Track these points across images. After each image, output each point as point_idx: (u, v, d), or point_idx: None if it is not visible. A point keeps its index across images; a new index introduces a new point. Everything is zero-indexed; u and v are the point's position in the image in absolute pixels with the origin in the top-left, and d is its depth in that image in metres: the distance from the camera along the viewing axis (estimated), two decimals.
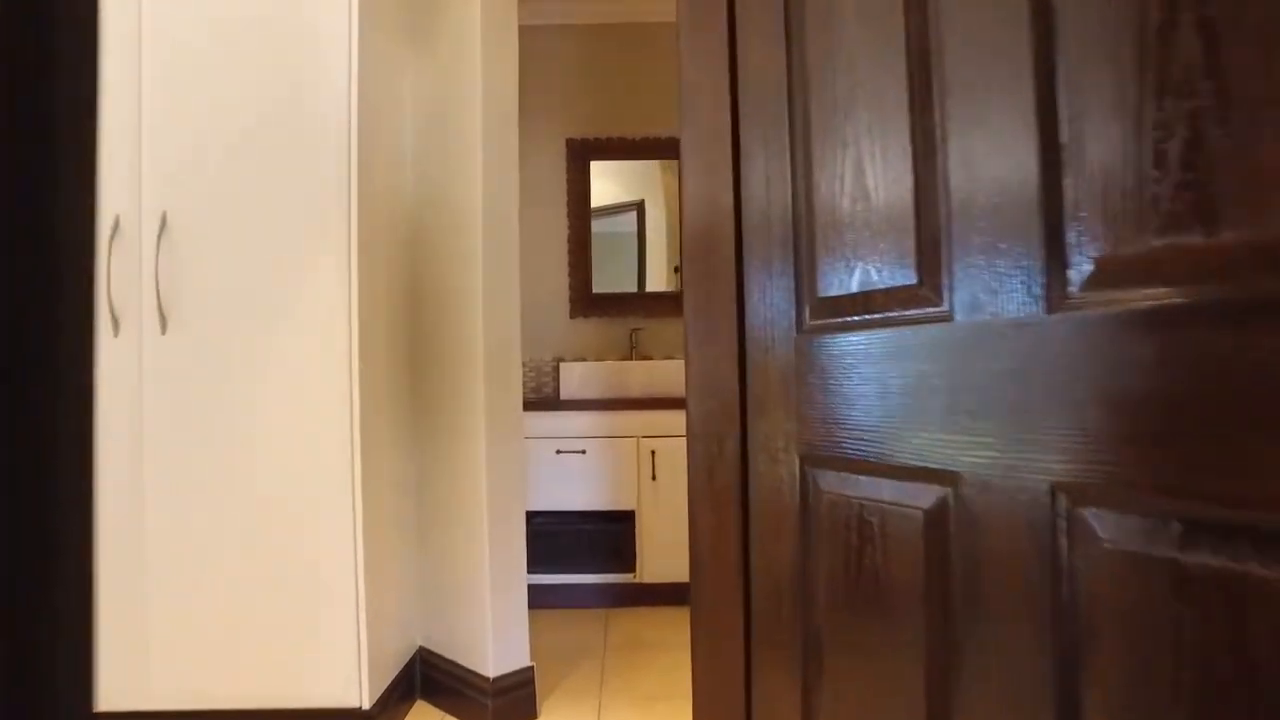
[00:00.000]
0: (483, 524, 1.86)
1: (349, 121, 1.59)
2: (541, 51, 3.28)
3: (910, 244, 0.74)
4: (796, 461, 0.89)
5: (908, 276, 0.74)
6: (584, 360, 3.25)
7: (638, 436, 2.72)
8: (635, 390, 2.82)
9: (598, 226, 3.29)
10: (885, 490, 0.76)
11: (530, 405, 2.75)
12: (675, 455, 2.71)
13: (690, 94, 1.09)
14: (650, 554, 2.71)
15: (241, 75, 1.59)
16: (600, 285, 3.28)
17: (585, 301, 3.25)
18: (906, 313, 0.74)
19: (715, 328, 1.05)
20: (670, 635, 2.49)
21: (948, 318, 0.69)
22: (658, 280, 3.29)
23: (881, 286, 0.78)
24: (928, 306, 0.72)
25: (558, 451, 2.71)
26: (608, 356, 3.25)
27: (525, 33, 3.24)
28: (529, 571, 2.71)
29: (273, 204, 1.58)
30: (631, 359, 3.16)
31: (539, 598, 2.67)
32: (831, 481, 0.84)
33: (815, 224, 0.87)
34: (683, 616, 2.63)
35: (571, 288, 3.26)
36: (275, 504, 1.57)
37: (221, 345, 1.57)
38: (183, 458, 1.56)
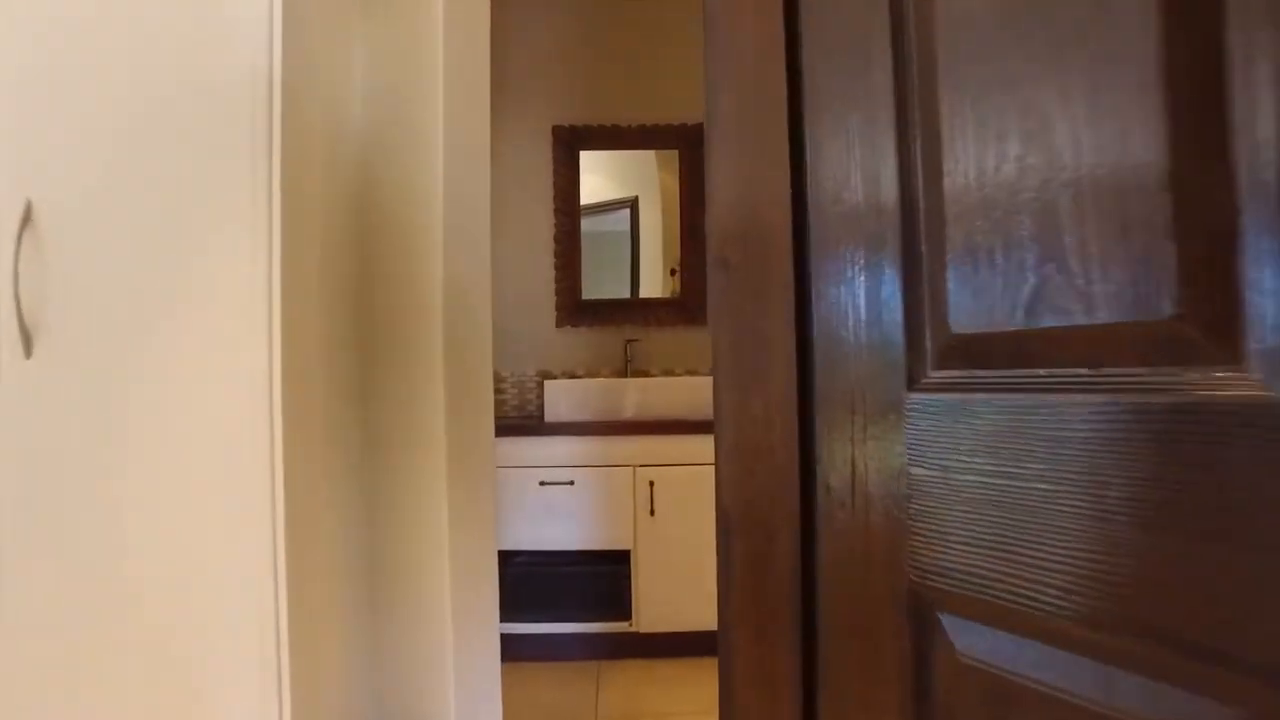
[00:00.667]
0: (444, 570, 1.53)
1: (269, 98, 1.25)
2: (525, 28, 2.94)
3: (1166, 250, 0.41)
4: (905, 594, 0.56)
5: (1154, 303, 0.41)
6: (572, 376, 2.92)
7: (633, 465, 2.39)
8: (630, 411, 2.49)
9: (587, 225, 2.96)
10: (1129, 690, 0.42)
11: (510, 429, 2.41)
12: (677, 487, 2.38)
13: (722, 36, 0.75)
14: (648, 600, 2.38)
15: (135, 45, 1.25)
16: (590, 290, 2.94)
17: (573, 309, 2.92)
18: (1149, 372, 0.41)
19: (761, 369, 0.72)
20: (675, 700, 2.15)
21: (1260, 390, 0.36)
22: (653, 285, 2.96)
23: (1084, 322, 0.45)
24: (1206, 365, 0.39)
25: (541, 483, 2.37)
26: (599, 372, 2.92)
27: (506, 6, 2.92)
28: (507, 620, 2.37)
29: (172, 194, 1.24)
30: (626, 375, 2.82)
31: (520, 650, 2.33)
32: (982, 643, 0.51)
33: (947, 221, 0.53)
34: (686, 672, 2.29)
35: (558, 293, 2.93)
36: (167, 574, 1.22)
37: (106, 371, 1.23)
38: (50, 520, 1.21)
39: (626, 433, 2.39)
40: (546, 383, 2.51)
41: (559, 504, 2.38)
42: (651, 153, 2.97)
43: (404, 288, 1.59)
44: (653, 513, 2.37)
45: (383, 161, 1.65)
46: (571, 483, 2.37)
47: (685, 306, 2.91)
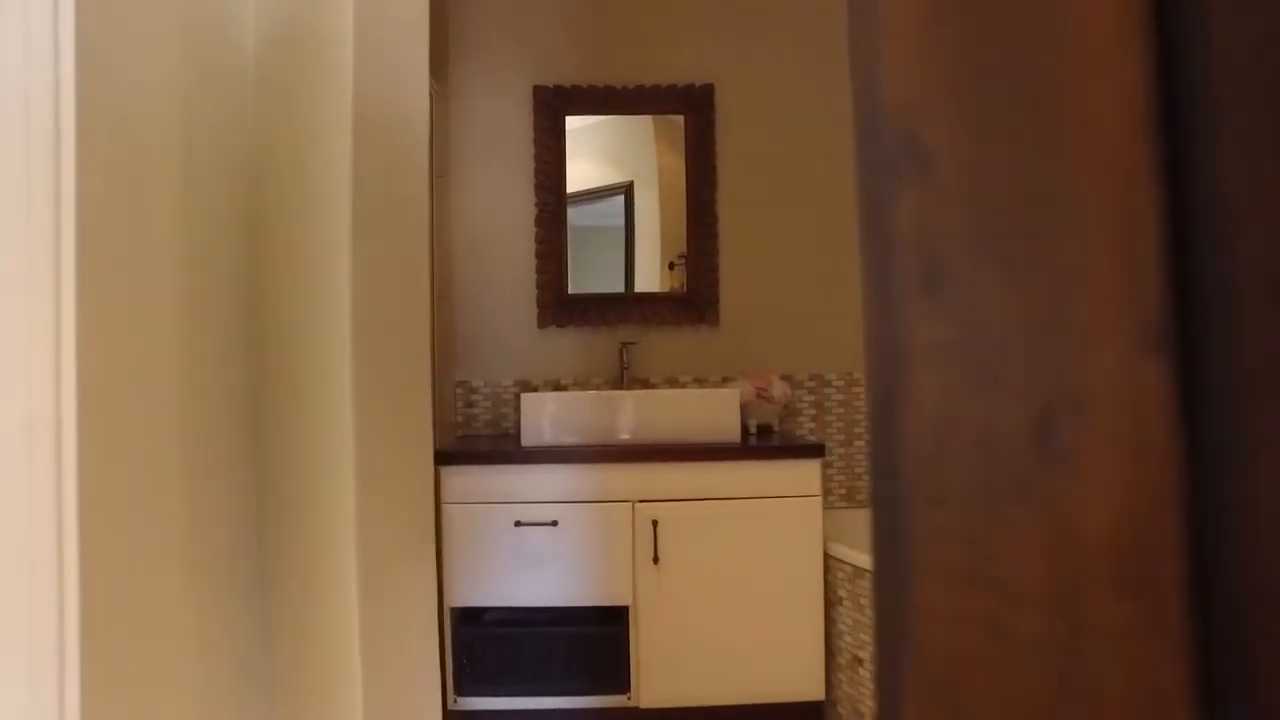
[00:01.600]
0: (352, 664, 1.07)
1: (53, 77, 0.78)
2: None
3: None
4: None
5: None
6: (557, 387, 2.45)
7: (632, 501, 1.92)
8: (628, 431, 2.03)
9: (574, 217, 2.49)
10: None
11: (477, 456, 1.95)
12: (686, 527, 1.92)
13: None
14: (651, 668, 1.91)
15: None
16: (578, 284, 2.48)
17: (558, 305, 2.45)
18: None
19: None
20: None
21: None
22: (650, 280, 2.50)
23: None
24: None
25: (518, 523, 1.91)
26: (590, 382, 2.45)
27: None
28: (474, 694, 1.90)
29: None
30: (623, 385, 2.36)
31: None
32: None
33: None
34: None
35: (540, 286, 2.46)
36: None
37: None
38: None
39: (623, 459, 1.93)
40: (523, 396, 2.05)
41: (540, 549, 1.91)
42: (649, 128, 2.50)
43: (302, 297, 1.12)
44: (656, 560, 1.91)
45: (277, 119, 1.17)
46: (555, 523, 1.91)
47: (691, 303, 2.45)
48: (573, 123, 2.48)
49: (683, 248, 2.47)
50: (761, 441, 2.08)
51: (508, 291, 2.47)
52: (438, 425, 2.44)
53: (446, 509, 1.92)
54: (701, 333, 2.48)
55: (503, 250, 2.47)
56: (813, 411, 2.49)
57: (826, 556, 1.98)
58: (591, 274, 2.49)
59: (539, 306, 2.45)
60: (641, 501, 1.93)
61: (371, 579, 1.06)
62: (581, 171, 2.49)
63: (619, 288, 2.48)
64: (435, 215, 2.44)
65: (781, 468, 1.93)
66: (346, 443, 1.01)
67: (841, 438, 2.49)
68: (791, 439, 2.17)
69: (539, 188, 2.46)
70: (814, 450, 1.95)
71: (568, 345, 2.47)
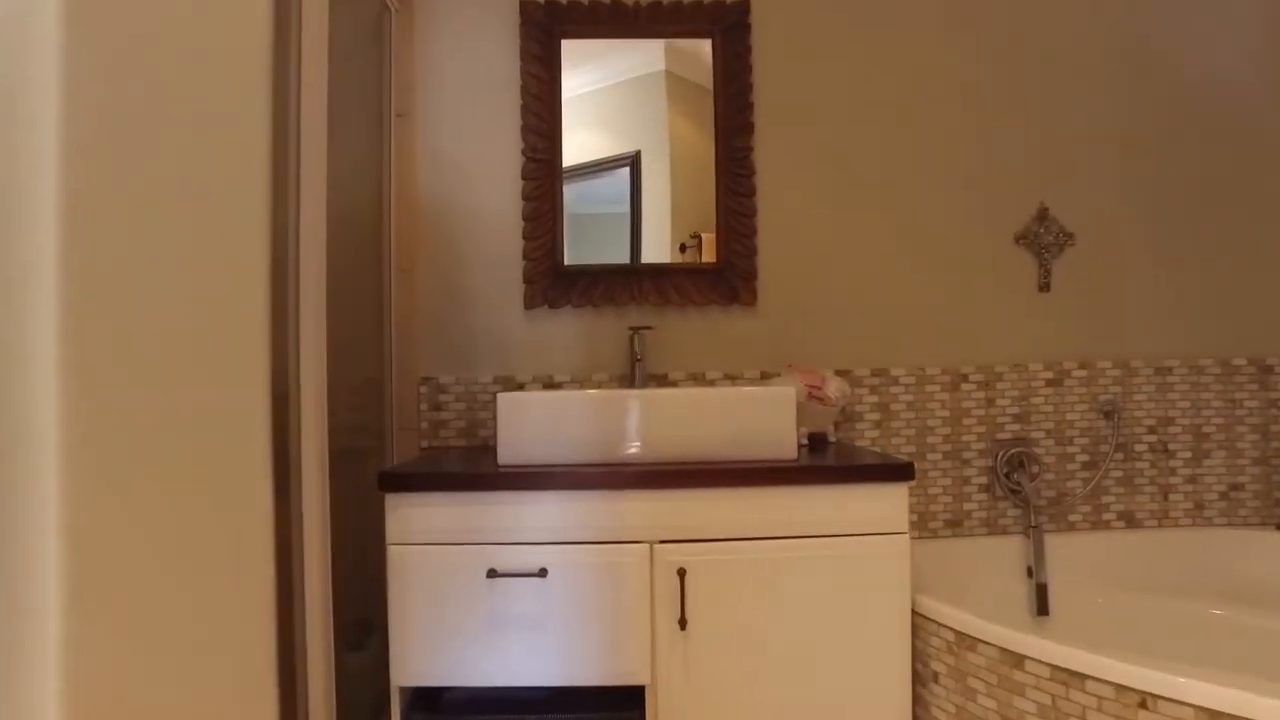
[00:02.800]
0: None
1: None
2: None
3: None
4: None
5: None
6: (550, 385, 1.94)
7: (650, 542, 1.41)
8: (642, 444, 1.51)
9: (570, 195, 1.97)
10: None
11: (434, 480, 1.43)
12: (722, 578, 1.40)
13: None
14: None
15: None
16: (576, 255, 1.96)
17: (552, 281, 1.93)
18: None
19: None
20: None
21: None
22: (660, 257, 1.98)
23: None
24: None
25: (492, 573, 1.39)
26: (591, 379, 1.94)
27: None
28: None
29: None
30: (634, 384, 1.84)
31: None
32: None
33: None
34: None
35: (529, 257, 1.94)
36: None
37: None
38: None
39: (637, 484, 1.41)
40: (500, 398, 1.53)
41: (524, 608, 1.40)
42: (660, 90, 1.98)
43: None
44: (684, 624, 1.40)
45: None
46: (543, 572, 1.39)
47: (721, 277, 1.94)
48: (569, 85, 1.96)
49: (697, 227, 1.95)
50: (818, 457, 1.56)
51: (487, 263, 1.95)
52: (397, 435, 1.93)
53: (394, 552, 1.40)
54: (734, 316, 1.97)
55: (481, 210, 1.95)
56: (875, 416, 1.97)
57: (915, 615, 1.46)
58: (592, 246, 1.97)
59: (526, 282, 1.94)
60: (663, 543, 1.41)
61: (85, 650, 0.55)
62: (578, 142, 1.97)
63: (627, 256, 1.96)
64: (394, 166, 1.92)
65: (855, 495, 1.42)
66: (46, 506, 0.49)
67: (912, 449, 1.97)
68: (857, 454, 1.66)
69: (527, 130, 1.94)
70: (900, 471, 1.43)
71: (564, 332, 1.95)
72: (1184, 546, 1.99)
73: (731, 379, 1.95)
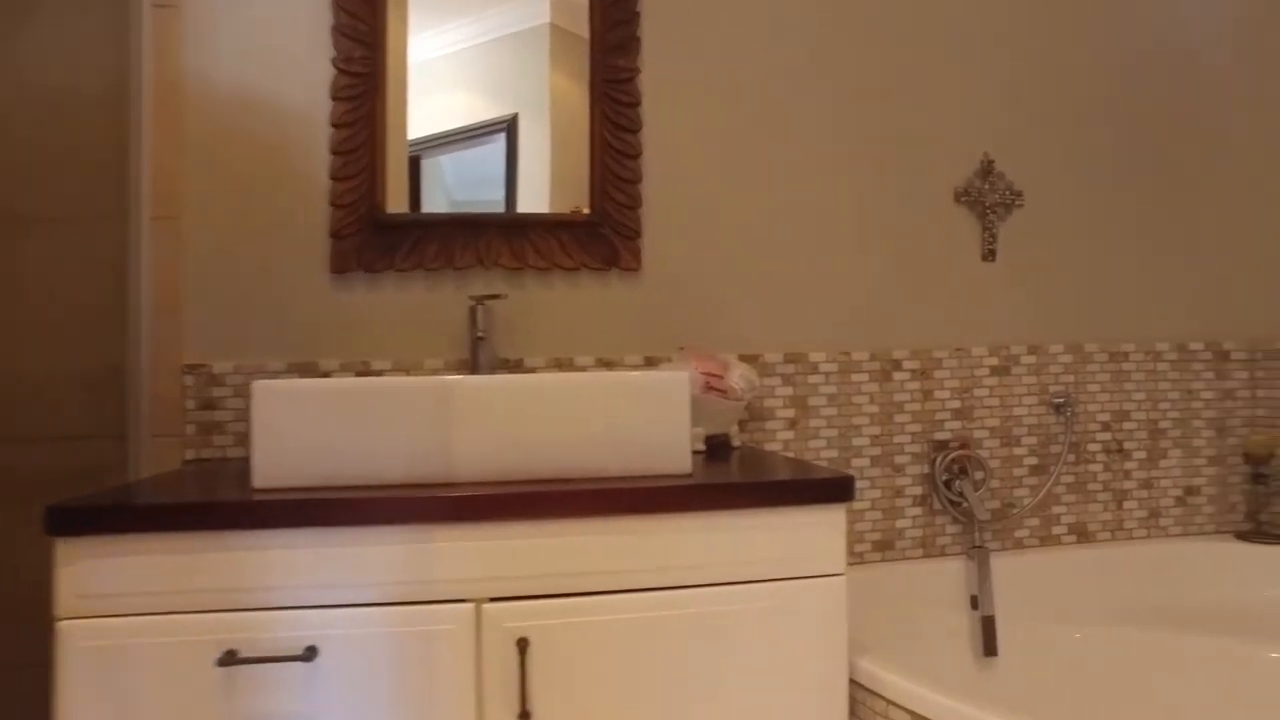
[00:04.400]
0: None
1: None
2: None
3: None
4: None
5: None
6: (367, 373, 1.46)
7: (476, 600, 0.97)
8: (469, 459, 1.05)
9: (437, 166, 1.51)
10: None
11: (136, 516, 0.94)
12: (582, 649, 0.98)
13: None
14: None
15: None
16: (405, 202, 1.49)
17: (371, 236, 1.46)
18: None
19: None
20: None
21: None
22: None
23: None
24: None
25: (230, 658, 0.92)
26: (426, 364, 1.48)
27: None
28: None
29: None
30: (476, 368, 1.39)
31: None
32: None
33: None
34: None
35: (338, 203, 1.46)
36: None
37: None
38: None
39: (459, 516, 0.97)
40: (255, 388, 1.03)
41: (279, 711, 0.93)
42: (542, 45, 1.53)
43: None
44: (526, 718, 0.96)
45: None
46: (311, 653, 0.93)
47: (597, 234, 1.51)
48: (435, 45, 1.49)
49: (582, 202, 1.52)
50: (719, 469, 1.16)
51: (282, 213, 1.46)
52: (147, 444, 1.42)
53: (67, 631, 0.91)
54: (613, 284, 1.54)
55: (275, 141, 1.46)
56: (790, 413, 1.58)
57: (854, 685, 1.08)
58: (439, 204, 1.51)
59: (335, 237, 1.45)
60: (496, 601, 0.97)
61: None
62: (446, 104, 1.50)
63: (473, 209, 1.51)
64: (148, 78, 1.41)
65: (773, 522, 1.02)
66: None
67: (834, 454, 1.60)
68: (769, 464, 1.26)
69: (340, 34, 1.46)
70: (836, 488, 1.03)
71: (387, 304, 1.48)
72: (1141, 563, 1.70)
73: (608, 364, 1.52)
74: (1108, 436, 1.75)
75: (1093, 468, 1.74)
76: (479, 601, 0.97)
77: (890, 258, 1.64)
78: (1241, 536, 1.78)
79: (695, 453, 1.35)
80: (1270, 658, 1.45)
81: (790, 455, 1.56)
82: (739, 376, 1.42)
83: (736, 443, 1.44)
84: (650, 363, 1.52)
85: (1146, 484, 1.78)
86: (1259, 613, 1.61)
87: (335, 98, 1.45)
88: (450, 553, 0.96)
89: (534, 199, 1.52)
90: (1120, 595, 1.67)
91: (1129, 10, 1.78)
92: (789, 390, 1.57)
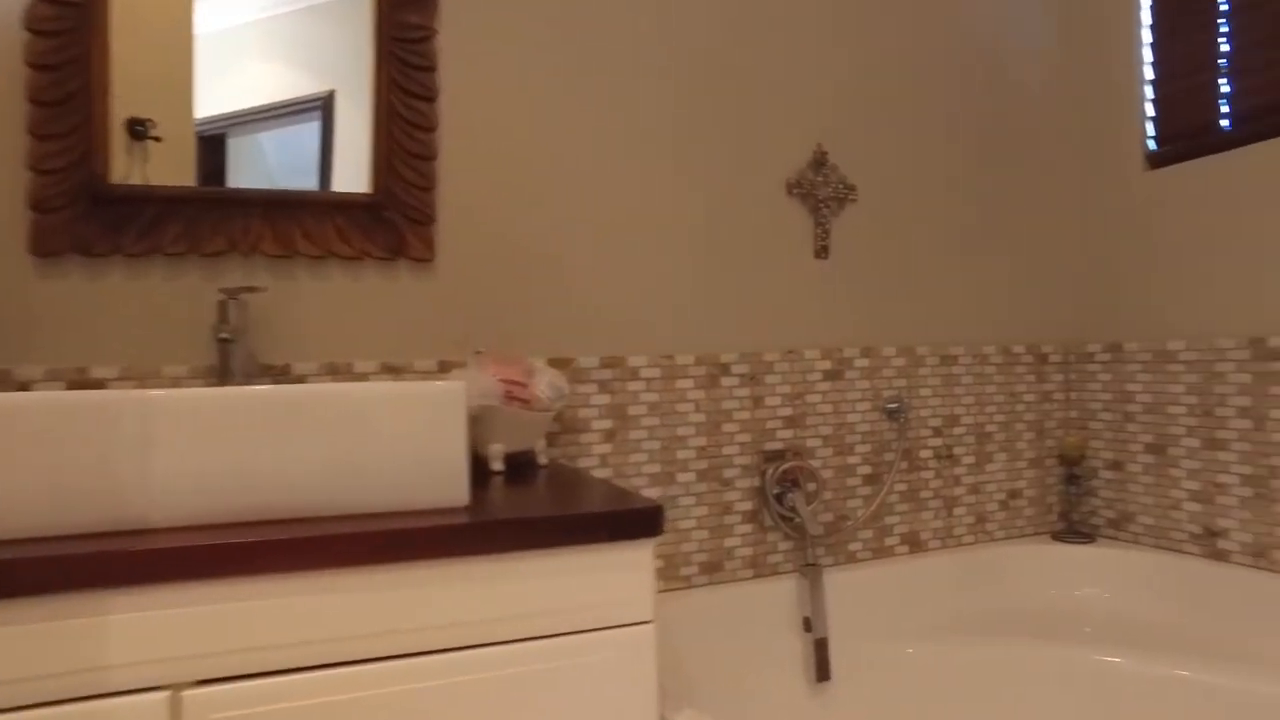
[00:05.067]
0: None
1: None
2: None
3: None
4: None
5: None
6: (84, 384, 1.18)
7: (172, 687, 0.73)
8: (167, 496, 0.82)
9: (256, 140, 1.24)
10: None
11: None
12: None
13: None
14: None
15: None
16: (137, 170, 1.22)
17: (88, 209, 1.17)
18: None
19: None
20: None
21: None
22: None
23: None
24: None
25: None
26: (164, 372, 1.21)
27: None
28: None
29: None
30: (231, 378, 1.14)
31: None
32: None
33: None
34: None
35: (40, 168, 1.16)
36: None
37: None
38: None
39: (150, 574, 0.73)
40: None
41: None
42: (364, 17, 1.29)
43: None
44: None
45: None
46: None
47: (381, 217, 1.29)
48: (238, 10, 1.22)
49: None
50: (512, 497, 0.98)
51: None
52: None
53: None
54: (401, 277, 1.33)
55: None
56: (607, 424, 1.42)
57: None
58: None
59: (37, 210, 1.16)
60: (203, 685, 0.74)
61: None
62: (254, 79, 1.23)
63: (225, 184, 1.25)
64: None
65: (563, 566, 0.84)
66: None
67: (657, 468, 1.45)
68: (576, 487, 1.09)
69: None
70: (640, 522, 0.87)
71: (113, 296, 1.20)
72: (969, 569, 1.67)
73: (394, 370, 1.31)
74: (939, 442, 1.71)
75: (924, 475, 1.69)
76: (178, 687, 0.74)
77: (718, 253, 1.52)
78: (1056, 537, 1.79)
79: (494, 473, 1.17)
80: (1093, 660, 1.43)
81: (609, 472, 1.40)
82: (546, 384, 1.24)
83: (544, 459, 1.26)
84: (445, 368, 1.32)
85: (974, 489, 1.75)
86: (1074, 612, 1.61)
87: (33, 30, 1.16)
88: (137, 626, 0.73)
89: (351, 184, 1.28)
90: (950, 605, 1.63)
91: (957, 12, 1.75)
92: (606, 398, 1.41)
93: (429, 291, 1.33)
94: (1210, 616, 1.51)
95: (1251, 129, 1.54)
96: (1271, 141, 1.50)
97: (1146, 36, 1.73)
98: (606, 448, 1.41)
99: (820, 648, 1.43)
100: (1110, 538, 1.78)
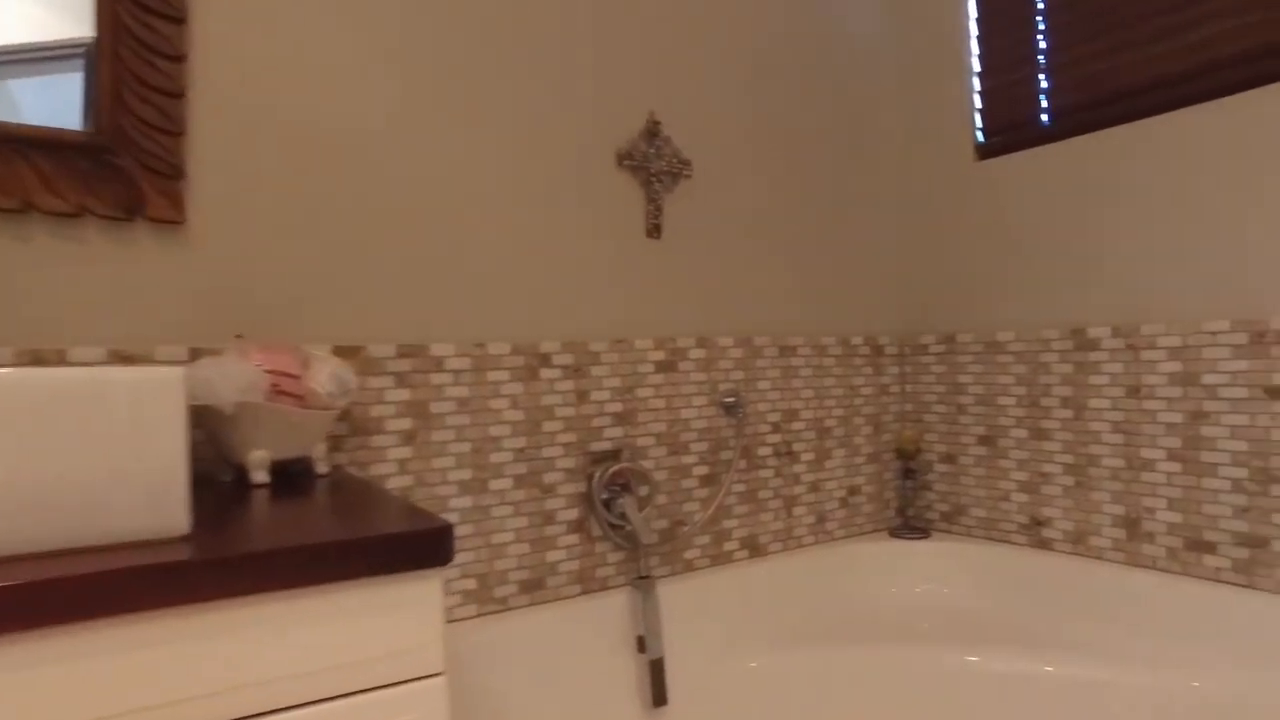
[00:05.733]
0: None
1: None
2: None
3: None
4: None
5: None
6: None
7: None
8: None
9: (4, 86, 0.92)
10: None
11: None
12: None
13: None
14: None
15: None
16: None
17: None
18: None
19: None
20: None
21: None
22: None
23: None
24: None
25: None
26: None
27: None
28: None
29: None
30: None
31: None
32: None
33: None
34: None
35: None
36: None
37: None
38: None
39: None
40: None
41: None
42: None
43: None
44: None
45: None
46: None
47: (108, 163, 1.02)
48: None
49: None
50: (254, 532, 0.77)
51: None
52: None
53: None
54: (140, 242, 1.06)
55: None
56: (406, 424, 1.21)
57: None
58: None
59: None
60: None
61: None
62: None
63: None
64: None
65: (324, 608, 0.64)
66: None
67: (466, 475, 1.26)
68: (353, 505, 0.89)
69: None
70: (420, 548, 0.68)
71: None
72: (809, 572, 1.60)
73: (129, 361, 1.04)
74: (778, 439, 1.62)
75: (764, 473, 1.60)
76: None
77: (539, 228, 1.35)
78: (893, 533, 1.76)
79: (255, 486, 0.94)
80: (933, 659, 1.38)
81: (409, 480, 1.20)
82: (327, 376, 1.02)
83: (324, 467, 1.05)
84: (198, 356, 1.07)
85: (815, 487, 1.68)
86: (915, 610, 1.58)
87: None
88: None
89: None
90: (793, 611, 1.54)
91: None
92: (405, 394, 1.21)
93: (179, 262, 1.07)
94: (1034, 606, 1.51)
95: (1068, 124, 1.56)
96: (1086, 136, 1.52)
97: (975, 29, 1.73)
98: (406, 451, 1.20)
99: (656, 669, 1.30)
100: (945, 531, 1.76)
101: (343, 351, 1.15)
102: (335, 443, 1.14)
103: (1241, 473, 1.31)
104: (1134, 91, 1.46)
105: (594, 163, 1.40)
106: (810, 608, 1.57)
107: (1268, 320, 1.28)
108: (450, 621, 1.23)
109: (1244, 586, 1.31)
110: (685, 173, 1.50)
